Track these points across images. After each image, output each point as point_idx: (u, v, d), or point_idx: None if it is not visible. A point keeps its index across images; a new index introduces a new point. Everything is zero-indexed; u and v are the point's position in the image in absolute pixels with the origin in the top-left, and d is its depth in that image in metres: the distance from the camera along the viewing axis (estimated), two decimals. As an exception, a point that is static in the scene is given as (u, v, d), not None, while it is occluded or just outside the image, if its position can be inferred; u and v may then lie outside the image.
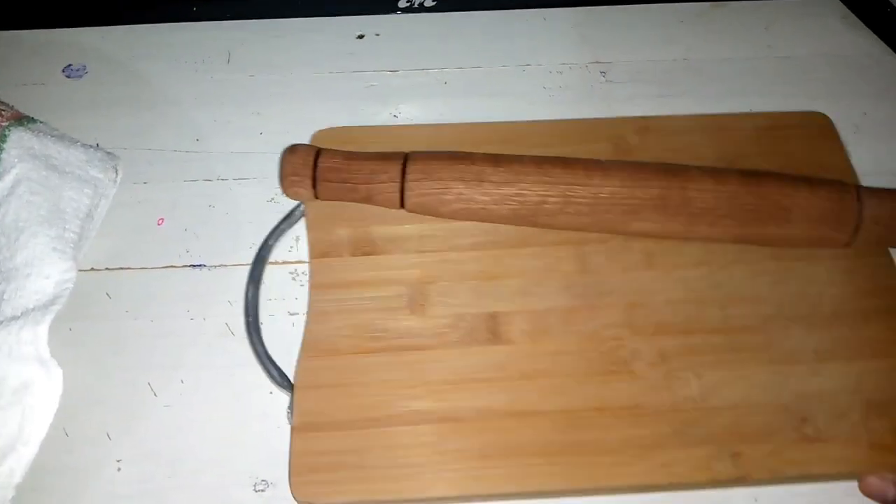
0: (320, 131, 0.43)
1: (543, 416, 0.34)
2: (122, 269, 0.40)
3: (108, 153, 0.42)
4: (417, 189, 0.37)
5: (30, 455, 0.33)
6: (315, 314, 0.37)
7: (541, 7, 0.52)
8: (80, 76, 0.48)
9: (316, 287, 0.38)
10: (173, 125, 0.46)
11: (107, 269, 0.40)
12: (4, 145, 0.37)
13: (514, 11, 0.52)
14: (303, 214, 0.41)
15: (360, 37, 0.50)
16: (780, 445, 0.34)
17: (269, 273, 0.39)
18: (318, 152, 0.39)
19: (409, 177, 0.37)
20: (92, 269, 0.39)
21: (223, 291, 0.39)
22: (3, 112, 0.38)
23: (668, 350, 0.36)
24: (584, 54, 0.49)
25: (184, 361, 0.37)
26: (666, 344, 0.36)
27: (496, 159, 0.38)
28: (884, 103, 0.47)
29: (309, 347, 0.36)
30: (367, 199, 0.39)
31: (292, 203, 0.41)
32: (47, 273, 0.35)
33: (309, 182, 0.38)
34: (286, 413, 0.35)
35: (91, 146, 0.41)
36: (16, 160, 0.37)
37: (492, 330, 0.37)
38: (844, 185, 0.38)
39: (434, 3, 0.51)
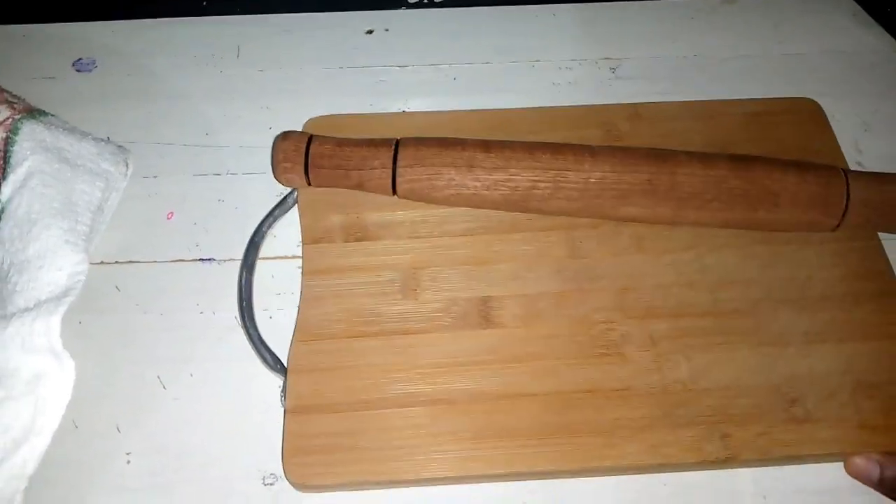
0: (312, 119, 0.43)
1: (535, 399, 0.35)
2: (131, 262, 0.40)
3: (120, 146, 0.42)
4: (409, 175, 0.38)
5: (43, 446, 0.33)
6: (308, 299, 0.37)
7: (550, 3, 0.52)
8: (90, 70, 0.48)
9: (309, 273, 0.38)
10: (183, 119, 0.46)
11: (117, 262, 0.40)
12: (17, 138, 0.37)
13: (524, 7, 0.52)
14: (296, 201, 0.41)
15: (370, 32, 0.50)
16: (769, 427, 0.34)
17: (280, 267, 0.40)
18: (310, 139, 0.39)
19: (400, 163, 0.38)
20: (102, 262, 0.39)
21: (232, 285, 0.39)
22: (15, 105, 0.38)
23: (659, 333, 0.36)
24: (594, 50, 0.49)
25: (193, 355, 0.37)
26: (656, 327, 0.37)
27: (487, 145, 0.38)
28: (894, 101, 0.47)
29: (302, 331, 0.36)
30: (359, 186, 0.39)
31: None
32: (60, 265, 0.35)
33: (301, 168, 0.38)
34: (279, 396, 0.35)
35: (102, 139, 0.41)
36: (28, 153, 0.37)
37: (484, 314, 0.37)
38: (832, 168, 0.38)
39: None
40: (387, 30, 0.51)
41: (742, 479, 0.34)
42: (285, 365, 0.35)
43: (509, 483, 0.34)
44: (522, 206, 0.39)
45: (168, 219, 0.42)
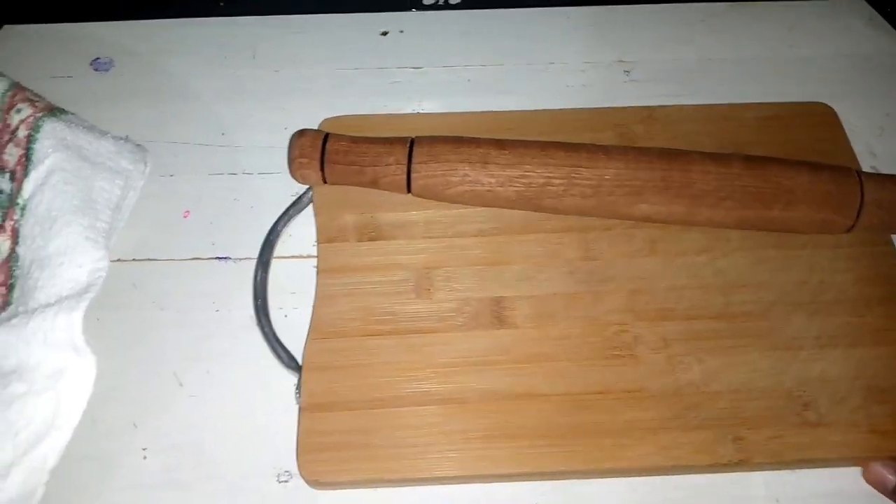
0: (328, 119, 0.44)
1: (547, 399, 0.35)
2: (148, 260, 0.40)
3: (138, 145, 0.42)
4: (423, 171, 0.38)
5: (64, 440, 0.33)
6: (322, 297, 0.37)
7: (564, 6, 0.52)
8: (108, 69, 0.49)
9: (323, 271, 0.38)
10: (198, 119, 0.46)
11: (134, 259, 0.40)
12: (38, 135, 0.37)
13: (538, 10, 0.52)
14: (310, 200, 0.41)
15: (384, 33, 0.50)
16: (781, 430, 0.34)
17: (295, 266, 0.40)
18: (326, 136, 0.39)
19: (415, 159, 0.38)
20: (119, 259, 0.40)
21: (248, 284, 0.39)
22: (36, 103, 0.39)
23: (671, 335, 0.36)
24: (607, 53, 0.50)
25: (208, 352, 0.37)
26: (669, 329, 0.37)
27: (501, 143, 0.39)
28: (909, 105, 0.47)
29: (316, 329, 0.36)
30: (374, 183, 0.39)
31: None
32: (80, 262, 0.35)
33: (317, 164, 0.39)
34: (294, 393, 0.35)
35: (121, 138, 0.42)
36: (50, 150, 0.37)
37: (496, 314, 0.37)
38: (846, 169, 0.38)
39: (459, 0, 0.51)
40: (401, 31, 0.51)
41: (754, 483, 0.34)
42: (300, 363, 0.36)
43: (521, 483, 0.34)
44: (536, 203, 0.39)
45: (184, 217, 0.42)
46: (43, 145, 0.37)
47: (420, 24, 0.51)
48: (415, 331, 0.37)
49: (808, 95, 0.45)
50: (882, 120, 0.46)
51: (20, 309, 0.34)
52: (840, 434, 0.34)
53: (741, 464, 0.34)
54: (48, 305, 0.33)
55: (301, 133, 0.40)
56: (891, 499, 0.33)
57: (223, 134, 0.46)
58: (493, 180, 0.38)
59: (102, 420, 0.35)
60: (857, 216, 0.37)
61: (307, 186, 0.41)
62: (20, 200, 0.37)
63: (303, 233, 0.41)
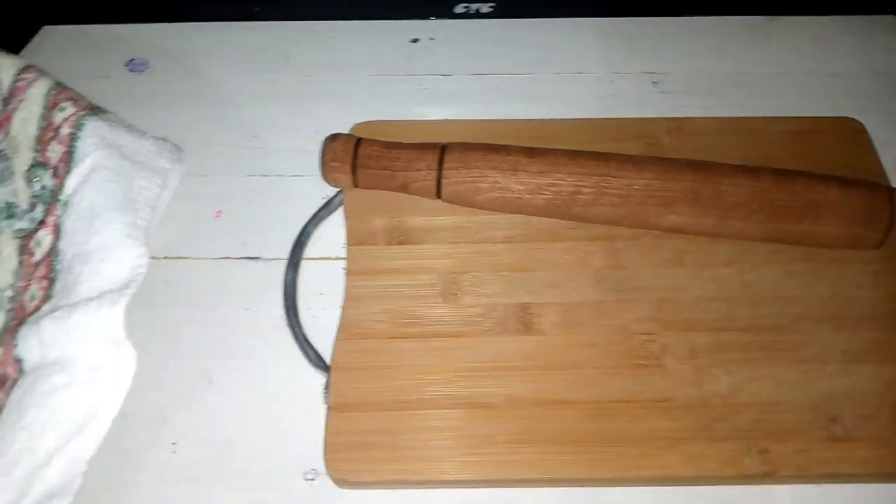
0: (358, 124, 0.44)
1: (571, 406, 0.35)
2: (180, 258, 0.41)
3: (175, 145, 0.43)
4: (454, 177, 0.38)
5: (102, 432, 0.33)
6: (351, 299, 0.38)
7: (594, 16, 0.52)
8: (143, 70, 0.50)
9: (352, 273, 0.39)
10: (231, 121, 0.47)
11: (166, 257, 0.41)
12: (81, 133, 0.38)
13: (568, 20, 0.52)
14: (341, 203, 0.42)
15: (415, 41, 0.51)
16: (808, 444, 0.34)
17: (324, 267, 0.40)
18: (359, 140, 0.40)
19: (446, 165, 0.38)
20: (152, 257, 0.40)
21: (278, 284, 0.39)
22: (78, 102, 0.40)
23: (698, 346, 0.37)
24: (636, 64, 0.50)
25: (238, 350, 0.38)
26: (696, 340, 0.37)
27: (531, 151, 0.39)
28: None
29: (345, 330, 0.37)
30: (404, 188, 0.40)
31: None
32: (121, 258, 0.36)
33: (348, 168, 0.39)
34: (322, 393, 0.36)
35: (159, 138, 0.43)
36: (92, 148, 0.38)
37: (523, 320, 0.37)
38: (876, 184, 0.38)
39: (490, 9, 0.52)
40: (432, 39, 0.52)
41: (780, 497, 0.34)
42: (328, 363, 0.36)
43: (543, 489, 0.34)
44: (565, 211, 0.39)
45: (216, 217, 0.43)
46: (85, 143, 0.38)
47: (450, 31, 0.52)
48: (441, 335, 0.37)
49: (837, 110, 0.45)
50: (909, 137, 0.46)
51: (62, 303, 0.34)
52: (868, 450, 0.34)
53: (767, 476, 0.33)
54: (90, 300, 0.34)
55: (334, 137, 0.40)
56: None
57: (255, 136, 0.46)
58: (522, 188, 0.38)
59: (133, 413, 0.36)
60: (887, 232, 0.37)
61: (337, 189, 0.42)
62: (62, 196, 0.37)
63: (332, 235, 0.42)
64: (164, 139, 0.43)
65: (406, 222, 0.41)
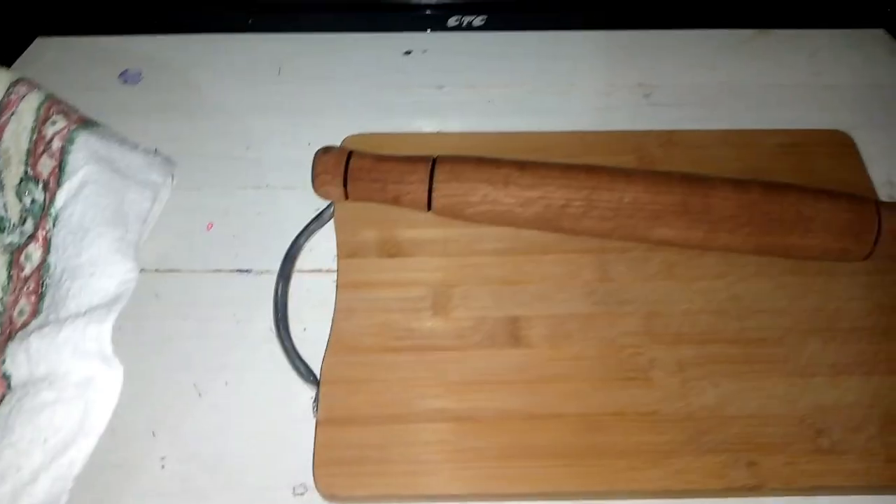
0: (350, 136, 0.44)
1: (561, 419, 0.35)
2: (171, 271, 0.41)
3: (166, 158, 0.43)
4: (444, 190, 0.39)
5: (89, 448, 0.33)
6: (342, 312, 0.38)
7: (586, 29, 0.53)
8: (137, 82, 0.50)
9: (343, 286, 0.39)
10: (224, 133, 0.47)
11: (157, 270, 0.41)
12: (72, 147, 0.38)
13: (561, 33, 0.53)
14: (332, 216, 0.42)
15: (408, 53, 0.51)
16: (795, 456, 0.34)
17: (315, 280, 0.41)
18: (350, 153, 0.40)
19: (437, 178, 0.39)
20: (143, 270, 0.40)
21: (268, 297, 0.39)
22: (70, 115, 0.40)
23: (686, 359, 0.37)
24: (629, 76, 0.50)
25: (228, 363, 0.38)
26: (684, 353, 0.37)
27: (522, 164, 0.39)
28: (929, 135, 0.47)
29: (335, 343, 0.37)
30: (396, 200, 0.40)
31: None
32: (111, 273, 0.36)
33: (339, 181, 0.39)
34: (311, 407, 0.36)
35: (150, 151, 0.43)
36: (82, 162, 0.38)
37: (512, 333, 0.38)
38: (864, 198, 0.39)
39: (482, 22, 0.52)
40: (424, 51, 0.52)
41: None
42: (318, 376, 0.36)
43: (533, 502, 0.35)
44: (555, 224, 0.39)
45: (207, 230, 0.43)
46: (76, 157, 0.38)
47: (443, 44, 0.52)
48: (431, 348, 0.37)
49: (827, 123, 0.46)
50: (903, 150, 0.46)
51: (51, 317, 0.34)
52: (855, 462, 0.34)
53: (754, 489, 0.34)
54: (78, 315, 0.34)
55: (325, 150, 0.41)
56: None
57: (248, 148, 0.46)
58: (513, 201, 0.38)
59: (122, 428, 0.36)
60: (875, 244, 0.38)
61: (329, 202, 0.42)
62: (53, 211, 0.37)
63: (323, 247, 0.42)
64: (156, 152, 0.43)
65: (397, 235, 0.41)
